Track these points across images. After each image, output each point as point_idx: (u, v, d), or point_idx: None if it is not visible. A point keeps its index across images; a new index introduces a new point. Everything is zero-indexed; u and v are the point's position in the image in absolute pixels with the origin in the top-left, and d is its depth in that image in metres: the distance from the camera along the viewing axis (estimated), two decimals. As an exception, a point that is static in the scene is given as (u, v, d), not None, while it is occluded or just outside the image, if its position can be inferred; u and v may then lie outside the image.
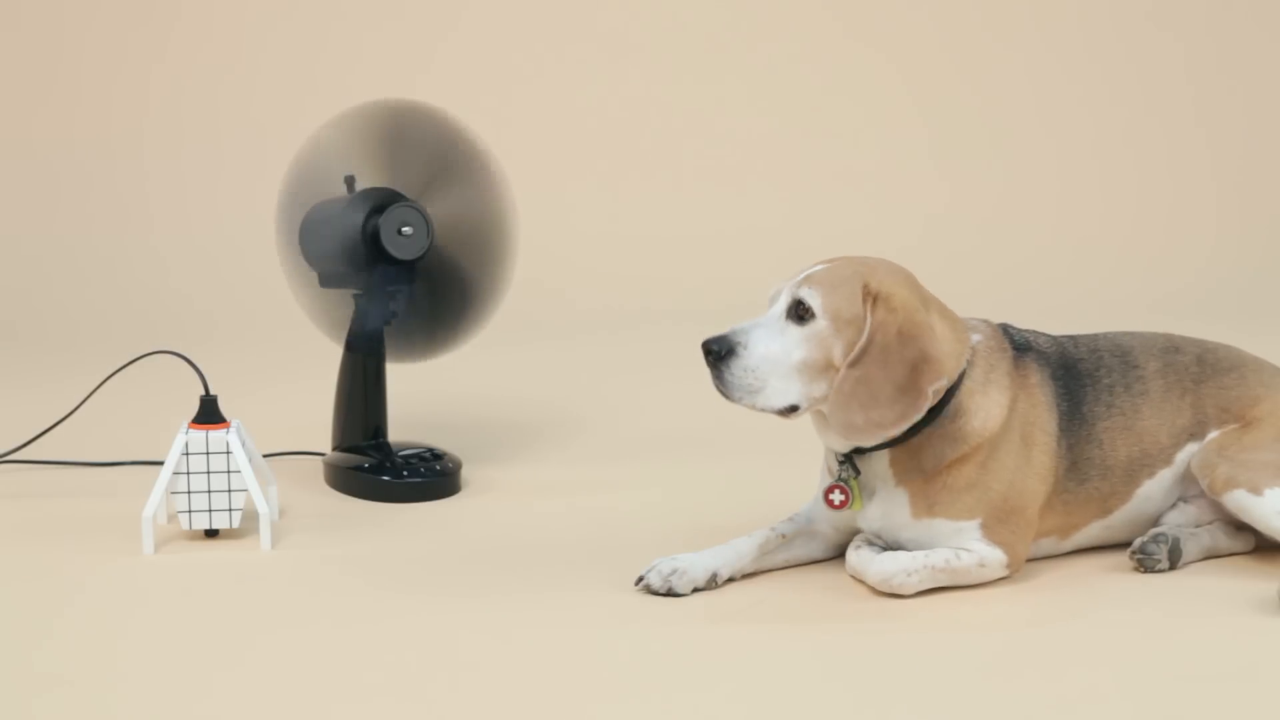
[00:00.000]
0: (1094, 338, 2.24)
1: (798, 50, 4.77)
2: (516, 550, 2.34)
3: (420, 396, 3.25)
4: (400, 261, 2.58)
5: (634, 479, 2.74)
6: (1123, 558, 2.20)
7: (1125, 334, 2.27)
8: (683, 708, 1.77)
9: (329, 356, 2.82)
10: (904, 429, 2.03)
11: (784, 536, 2.21)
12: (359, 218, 2.57)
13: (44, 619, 2.06)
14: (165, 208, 4.54)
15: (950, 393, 2.06)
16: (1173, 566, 2.16)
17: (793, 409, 2.05)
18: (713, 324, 4.02)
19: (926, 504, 2.09)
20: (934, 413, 2.05)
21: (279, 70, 4.64)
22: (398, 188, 2.62)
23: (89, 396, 2.68)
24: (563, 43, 4.74)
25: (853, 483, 2.12)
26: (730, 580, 2.15)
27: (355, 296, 2.66)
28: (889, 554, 2.09)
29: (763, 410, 2.04)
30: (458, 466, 2.68)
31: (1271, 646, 1.92)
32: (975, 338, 2.11)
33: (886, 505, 2.11)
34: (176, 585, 2.19)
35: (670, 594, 2.10)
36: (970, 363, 2.08)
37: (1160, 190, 4.75)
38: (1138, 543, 2.17)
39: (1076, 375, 2.17)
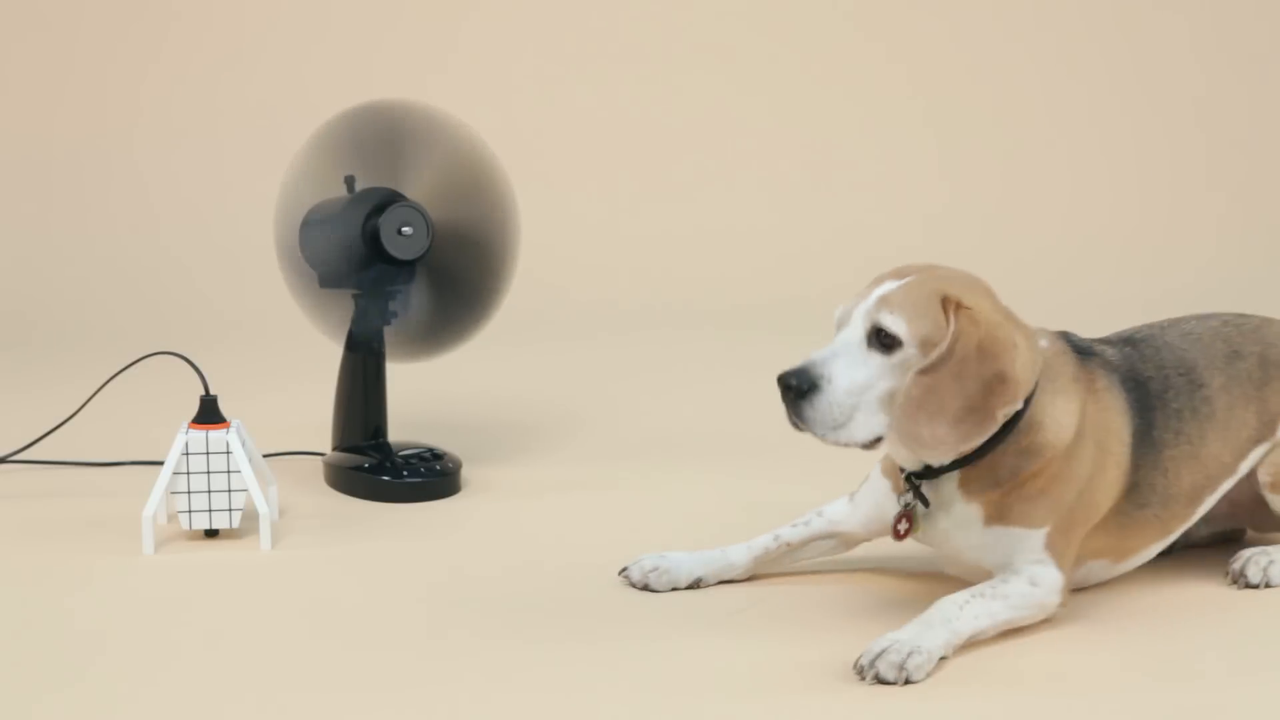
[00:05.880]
0: (1156, 349, 2.12)
1: (799, 48, 4.77)
2: (516, 551, 2.34)
3: (420, 396, 3.25)
4: (400, 261, 2.58)
5: (634, 479, 2.74)
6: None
7: (1185, 336, 2.16)
8: (682, 708, 1.77)
9: (329, 356, 2.82)
10: (967, 450, 1.92)
11: (790, 545, 2.15)
12: (359, 218, 2.58)
13: (44, 619, 2.06)
14: (165, 209, 4.54)
15: (1025, 405, 1.94)
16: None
17: (877, 440, 1.92)
18: (716, 325, 4.08)
19: (998, 513, 1.97)
20: (1007, 428, 1.94)
21: (278, 70, 4.64)
22: (397, 188, 2.62)
23: (90, 399, 2.68)
24: (564, 43, 4.74)
25: (914, 508, 2.00)
26: (719, 583, 2.16)
27: (355, 296, 2.66)
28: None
29: (845, 444, 1.90)
30: (458, 466, 2.68)
31: None
32: (1042, 343, 2.00)
33: (955, 518, 1.99)
34: (176, 585, 2.19)
35: (646, 589, 2.11)
36: (1041, 373, 1.96)
37: (1162, 189, 4.75)
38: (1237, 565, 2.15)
39: (1146, 394, 2.06)
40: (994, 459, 1.95)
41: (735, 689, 1.81)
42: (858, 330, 1.91)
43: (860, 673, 1.83)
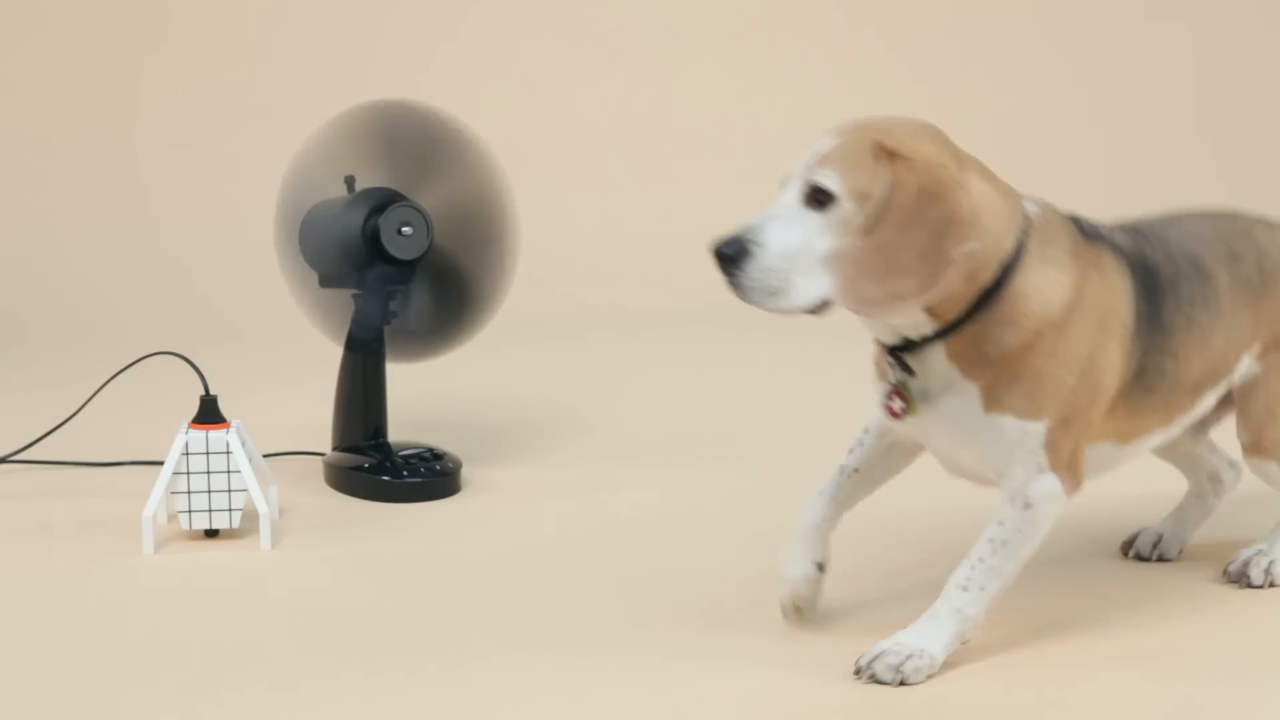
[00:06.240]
0: (1164, 240, 2.01)
1: (801, 46, 4.77)
2: (516, 551, 2.34)
3: (420, 396, 3.25)
4: (400, 261, 2.58)
5: (635, 479, 2.74)
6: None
7: (1185, 234, 2.06)
8: (682, 707, 1.77)
9: (329, 356, 2.82)
10: (926, 298, 1.77)
11: (856, 470, 2.01)
12: (359, 218, 2.58)
13: (44, 619, 2.06)
14: (165, 208, 4.54)
15: (1006, 272, 1.82)
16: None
17: (824, 304, 1.79)
18: (717, 325, 4.07)
19: (995, 397, 1.84)
20: (989, 296, 1.82)
21: (278, 69, 4.64)
22: (398, 188, 2.62)
23: (91, 399, 2.68)
24: (563, 41, 4.74)
25: (908, 385, 1.88)
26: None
27: (355, 296, 2.66)
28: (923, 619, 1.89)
29: (789, 311, 1.79)
30: (458, 466, 2.68)
31: None
32: (1030, 207, 1.87)
33: (954, 402, 1.86)
34: (176, 585, 2.19)
35: (797, 611, 2.00)
36: (1025, 234, 1.84)
37: (1163, 185, 4.75)
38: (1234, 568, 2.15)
39: (1156, 279, 1.95)
40: (978, 330, 1.83)
41: (734, 689, 1.81)
42: (793, 190, 1.81)
43: (858, 673, 1.82)
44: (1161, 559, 2.24)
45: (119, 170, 4.59)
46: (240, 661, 1.91)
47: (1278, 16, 4.91)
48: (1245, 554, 2.14)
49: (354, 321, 2.69)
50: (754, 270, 1.77)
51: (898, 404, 1.88)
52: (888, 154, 1.78)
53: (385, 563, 2.29)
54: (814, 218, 1.79)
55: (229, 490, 2.37)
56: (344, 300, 2.68)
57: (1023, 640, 1.94)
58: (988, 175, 1.86)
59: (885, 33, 4.81)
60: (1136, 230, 2.02)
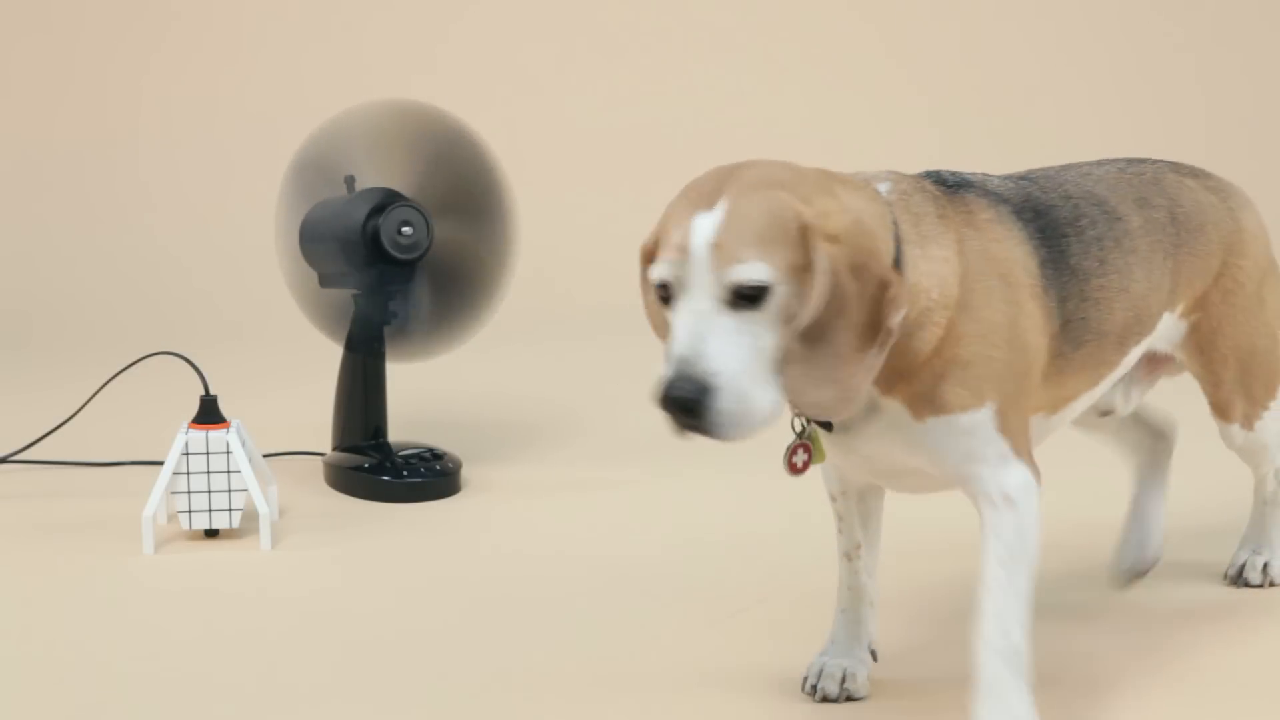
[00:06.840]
0: (1059, 183, 1.83)
1: (802, 46, 4.77)
2: (516, 551, 2.35)
3: (420, 396, 3.25)
4: (400, 261, 2.58)
5: (634, 479, 2.74)
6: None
7: (1086, 176, 1.89)
8: (682, 708, 1.77)
9: (329, 356, 2.82)
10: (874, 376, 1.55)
11: (859, 546, 1.83)
12: (359, 218, 2.58)
13: (44, 619, 2.07)
14: (165, 209, 4.55)
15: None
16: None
17: (778, 408, 1.53)
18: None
19: (927, 402, 1.62)
20: None
21: (278, 69, 4.64)
22: (398, 187, 2.62)
23: (91, 399, 2.68)
24: (563, 42, 4.74)
25: (813, 434, 1.67)
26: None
27: (355, 296, 2.66)
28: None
29: (756, 431, 1.51)
30: (458, 466, 2.68)
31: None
32: (882, 187, 1.65)
33: (884, 420, 1.64)
34: (176, 585, 2.19)
35: (848, 698, 1.80)
36: (895, 224, 1.61)
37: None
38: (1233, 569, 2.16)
39: (1053, 222, 1.75)
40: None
41: (733, 689, 1.81)
42: (706, 296, 1.51)
43: None
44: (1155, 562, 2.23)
45: (120, 170, 4.59)
46: (240, 661, 1.91)
47: (1278, 16, 4.92)
48: (1241, 557, 2.15)
49: (354, 321, 2.69)
50: (724, 404, 1.49)
51: (801, 458, 1.67)
52: (810, 230, 1.53)
53: (385, 563, 2.29)
54: (750, 318, 1.51)
55: (229, 490, 2.37)
56: (344, 300, 2.68)
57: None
58: (846, 182, 1.63)
59: (887, 32, 4.81)
60: (1024, 176, 1.85)
